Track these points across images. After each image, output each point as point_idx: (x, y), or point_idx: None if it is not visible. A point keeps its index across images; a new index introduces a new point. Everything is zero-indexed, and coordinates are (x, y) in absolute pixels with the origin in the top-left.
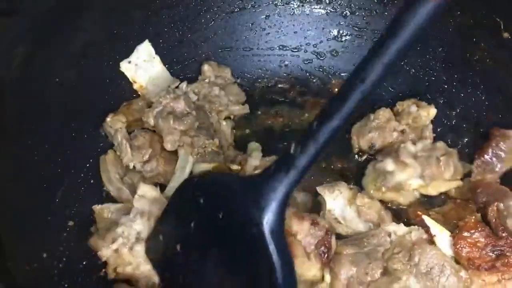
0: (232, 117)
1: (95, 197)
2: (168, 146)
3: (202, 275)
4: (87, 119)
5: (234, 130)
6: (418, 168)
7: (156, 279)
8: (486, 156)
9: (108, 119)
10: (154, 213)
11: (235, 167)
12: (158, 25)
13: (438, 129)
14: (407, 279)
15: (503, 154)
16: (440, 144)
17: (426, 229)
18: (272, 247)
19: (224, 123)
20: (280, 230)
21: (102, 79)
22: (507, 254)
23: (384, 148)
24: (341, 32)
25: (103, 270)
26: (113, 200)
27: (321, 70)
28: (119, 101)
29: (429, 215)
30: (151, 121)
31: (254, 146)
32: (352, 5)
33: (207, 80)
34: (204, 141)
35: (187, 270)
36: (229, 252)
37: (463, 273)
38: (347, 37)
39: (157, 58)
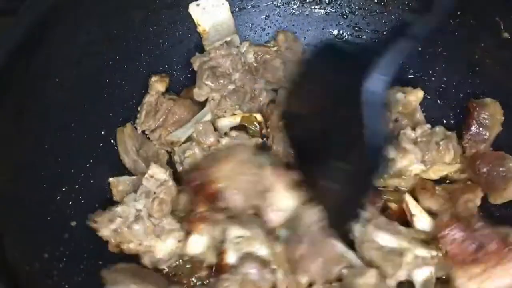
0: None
1: (96, 197)
2: (194, 96)
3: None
4: (87, 120)
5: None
6: (419, 153)
7: (161, 254)
8: (472, 129)
9: (152, 78)
10: (159, 196)
11: (259, 117)
12: (158, 25)
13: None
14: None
15: (487, 122)
16: (439, 129)
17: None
18: (366, 108)
19: (264, 93)
20: (380, 94)
21: (102, 79)
22: (485, 244)
23: None
24: (341, 32)
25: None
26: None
27: None
28: (118, 101)
29: (435, 191)
30: (195, 67)
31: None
32: (352, 5)
33: (275, 48)
34: (228, 106)
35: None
36: (340, 111)
37: None
38: (347, 38)
39: (226, 5)
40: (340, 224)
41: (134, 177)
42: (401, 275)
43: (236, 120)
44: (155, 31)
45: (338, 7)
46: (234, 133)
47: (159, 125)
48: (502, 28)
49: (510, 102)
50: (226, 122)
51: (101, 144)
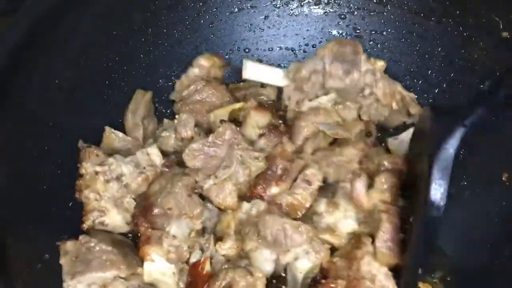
0: None
1: None
2: None
3: None
4: (87, 120)
5: None
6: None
7: (107, 220)
8: None
9: (202, 55)
10: (146, 173)
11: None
12: (157, 26)
13: None
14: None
15: None
16: None
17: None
18: (433, 176)
19: None
20: (448, 163)
21: (101, 80)
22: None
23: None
24: (340, 32)
25: None
26: None
27: None
28: (118, 102)
29: None
30: None
31: None
32: (351, 5)
33: None
34: None
35: None
36: None
37: (303, 227)
38: (346, 38)
39: None
40: None
41: (127, 137)
42: None
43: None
44: (154, 32)
45: (337, 7)
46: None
47: (184, 98)
48: (501, 27)
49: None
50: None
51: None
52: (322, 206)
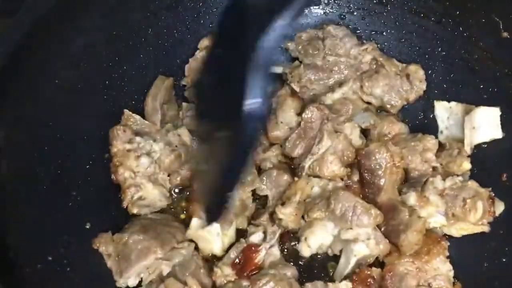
0: None
1: (95, 201)
2: None
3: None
4: (86, 121)
5: None
6: (443, 206)
7: (145, 194)
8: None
9: (204, 39)
10: (179, 150)
11: None
12: (157, 26)
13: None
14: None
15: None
16: (472, 184)
17: None
18: (248, 71)
19: None
20: (269, 55)
21: (101, 80)
22: None
23: (412, 176)
24: None
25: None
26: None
27: None
28: (118, 103)
29: None
30: None
31: None
32: (351, 5)
33: None
34: None
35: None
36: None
37: (373, 211)
38: None
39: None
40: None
41: (145, 121)
42: None
43: None
44: (154, 32)
45: (337, 7)
46: None
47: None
48: (501, 27)
49: (509, 102)
50: None
51: (100, 146)
52: (411, 199)
